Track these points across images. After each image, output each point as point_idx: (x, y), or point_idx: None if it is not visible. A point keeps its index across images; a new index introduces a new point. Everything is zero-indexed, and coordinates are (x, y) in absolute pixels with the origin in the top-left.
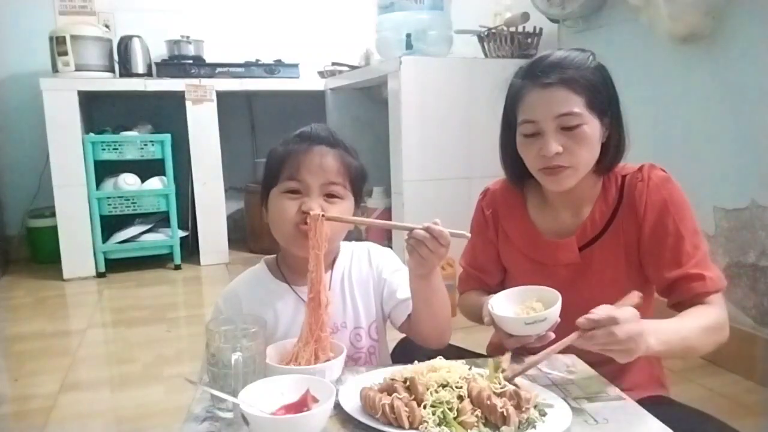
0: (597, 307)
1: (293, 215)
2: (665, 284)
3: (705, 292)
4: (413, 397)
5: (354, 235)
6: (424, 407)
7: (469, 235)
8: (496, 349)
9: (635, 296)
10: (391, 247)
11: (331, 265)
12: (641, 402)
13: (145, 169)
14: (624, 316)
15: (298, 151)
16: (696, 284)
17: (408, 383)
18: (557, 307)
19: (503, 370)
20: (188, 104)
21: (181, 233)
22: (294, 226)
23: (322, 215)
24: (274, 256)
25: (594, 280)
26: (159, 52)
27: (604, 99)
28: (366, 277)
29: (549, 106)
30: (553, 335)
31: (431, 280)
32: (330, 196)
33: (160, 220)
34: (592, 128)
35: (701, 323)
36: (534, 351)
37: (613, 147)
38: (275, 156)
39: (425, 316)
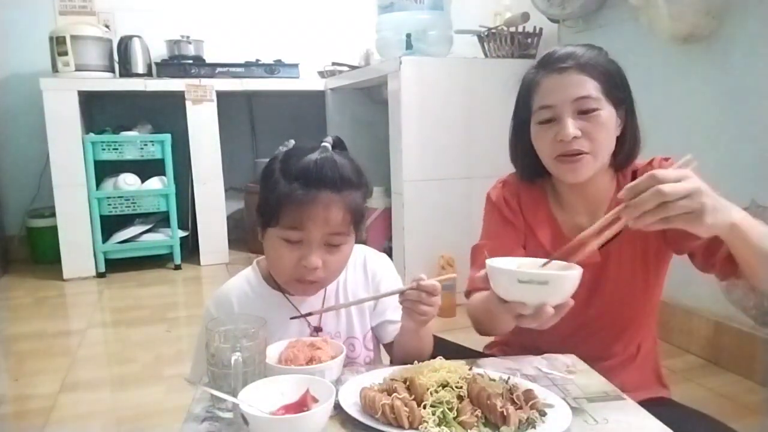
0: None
1: (291, 268)
2: (706, 243)
3: None
4: (413, 397)
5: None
6: (424, 407)
7: (455, 275)
8: (495, 348)
9: (688, 158)
10: (391, 248)
11: None
12: (642, 404)
13: (145, 169)
14: (665, 174)
15: (302, 201)
16: None
17: (408, 383)
18: (569, 275)
19: None
20: (188, 104)
21: (181, 233)
22: (292, 279)
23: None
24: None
25: (612, 276)
26: (159, 52)
27: (619, 89)
28: (362, 286)
29: (565, 90)
30: (552, 311)
31: (426, 327)
32: (332, 244)
33: (160, 220)
34: (609, 115)
35: None
36: (527, 342)
37: (628, 141)
38: (276, 190)
39: (411, 351)
